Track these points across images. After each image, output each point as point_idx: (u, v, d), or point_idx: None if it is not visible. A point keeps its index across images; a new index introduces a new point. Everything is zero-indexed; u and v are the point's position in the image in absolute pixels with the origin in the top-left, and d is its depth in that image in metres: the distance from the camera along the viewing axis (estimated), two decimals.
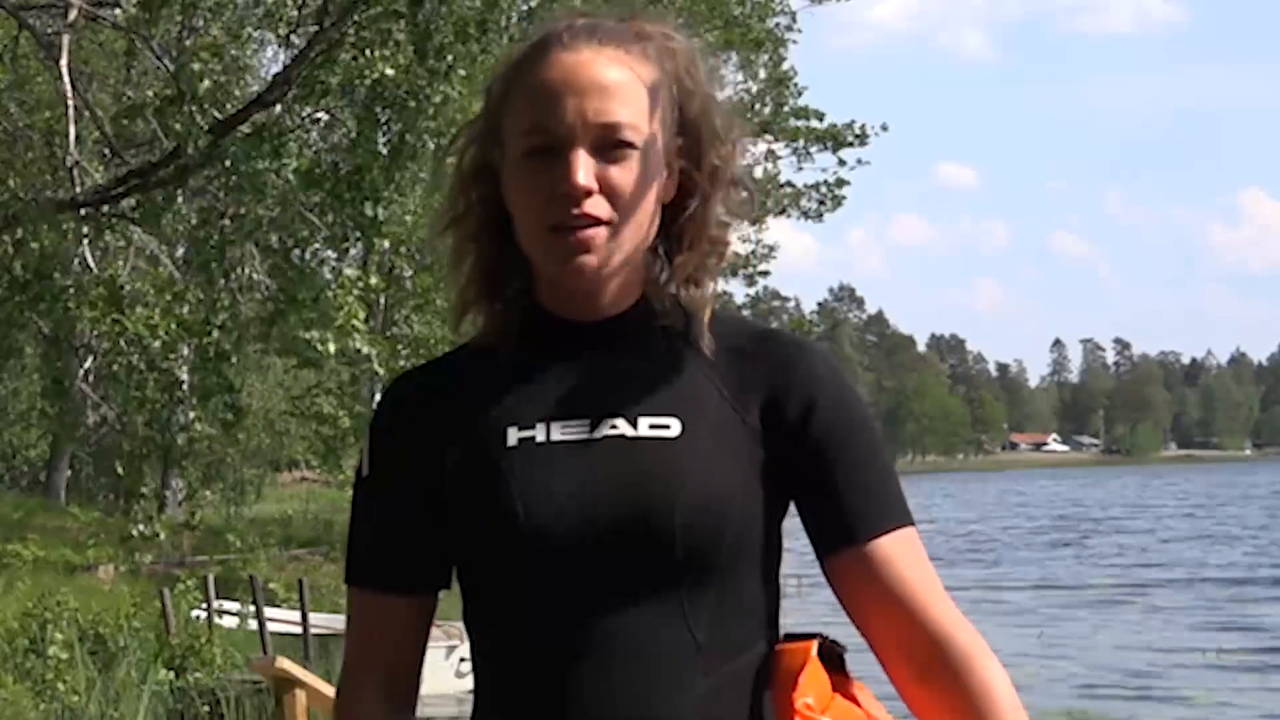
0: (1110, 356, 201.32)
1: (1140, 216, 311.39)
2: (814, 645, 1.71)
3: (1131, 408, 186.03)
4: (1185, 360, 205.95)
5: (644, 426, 1.69)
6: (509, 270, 1.77)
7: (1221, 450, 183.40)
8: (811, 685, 1.68)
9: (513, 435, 1.70)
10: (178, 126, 11.52)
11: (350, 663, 1.82)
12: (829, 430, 1.71)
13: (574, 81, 1.68)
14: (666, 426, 1.69)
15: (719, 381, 1.72)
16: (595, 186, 1.67)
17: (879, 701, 1.76)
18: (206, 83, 11.42)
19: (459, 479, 1.71)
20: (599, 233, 1.67)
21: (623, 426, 1.69)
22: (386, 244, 11.95)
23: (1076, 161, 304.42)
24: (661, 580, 1.65)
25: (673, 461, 1.66)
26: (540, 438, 1.70)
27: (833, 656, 1.74)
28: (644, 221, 1.71)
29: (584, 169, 1.66)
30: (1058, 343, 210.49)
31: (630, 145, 1.69)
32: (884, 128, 29.43)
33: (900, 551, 1.70)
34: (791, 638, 1.74)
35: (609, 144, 1.68)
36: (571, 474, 1.67)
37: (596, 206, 1.67)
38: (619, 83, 1.69)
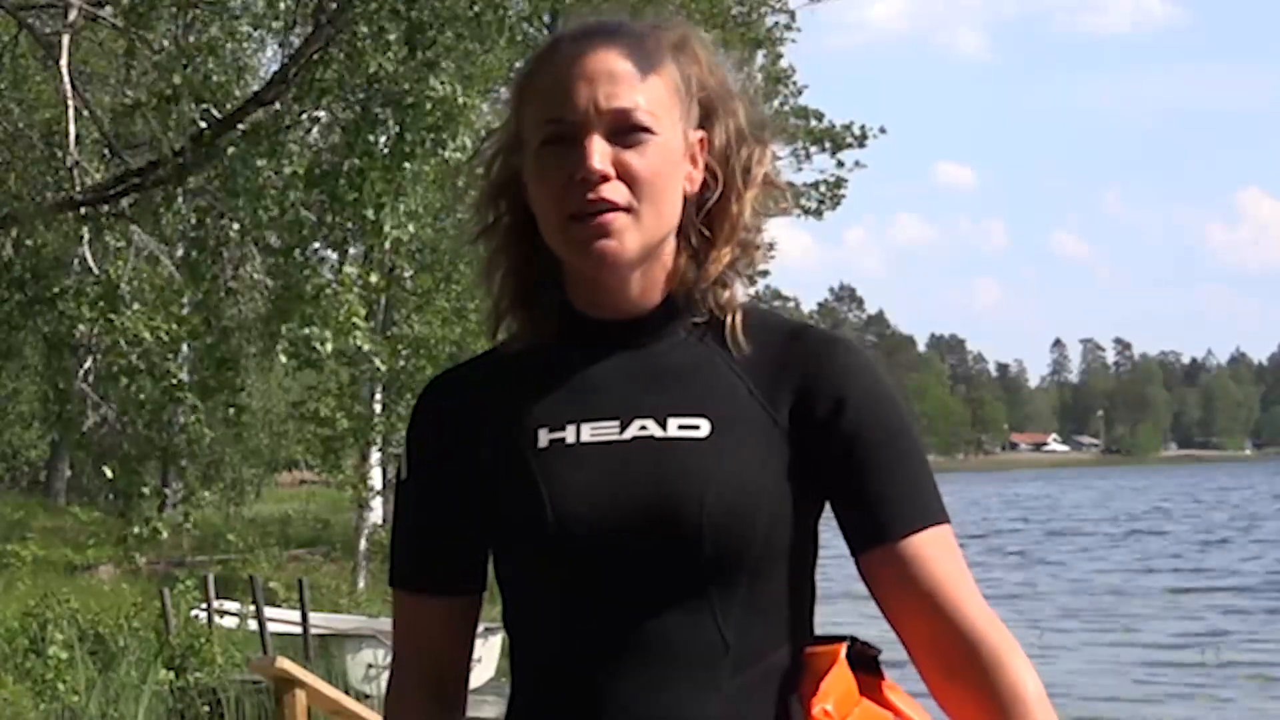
0: (1110, 356, 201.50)
1: (1139, 216, 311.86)
2: (843, 648, 1.70)
3: (1131, 408, 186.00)
4: (1185, 360, 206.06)
5: (673, 427, 1.69)
6: (540, 273, 1.78)
7: (1221, 450, 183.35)
8: (834, 689, 1.67)
9: (543, 437, 1.71)
10: (174, 129, 11.52)
11: (397, 663, 1.84)
12: (860, 427, 1.70)
13: (585, 70, 1.69)
14: (696, 427, 1.69)
15: (749, 380, 1.72)
16: (611, 171, 1.67)
17: (915, 700, 1.74)
18: (205, 89, 11.42)
19: (491, 481, 1.72)
20: (617, 217, 1.67)
21: (652, 427, 1.69)
22: (388, 244, 11.94)
23: (1075, 161, 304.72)
24: (690, 580, 1.65)
25: (701, 462, 1.66)
26: (570, 439, 1.70)
27: (865, 659, 1.73)
28: (664, 209, 1.71)
29: (598, 153, 1.67)
30: (1058, 343, 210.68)
31: (646, 130, 1.69)
32: (882, 130, 29.44)
33: (933, 550, 1.68)
34: (824, 640, 1.73)
35: (624, 129, 1.68)
36: (601, 475, 1.67)
37: (613, 191, 1.67)
38: (630, 71, 1.70)
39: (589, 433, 1.70)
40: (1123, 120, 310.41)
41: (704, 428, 1.68)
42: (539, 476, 1.69)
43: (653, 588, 1.65)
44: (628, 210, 1.68)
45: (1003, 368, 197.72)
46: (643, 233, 1.69)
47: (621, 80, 1.69)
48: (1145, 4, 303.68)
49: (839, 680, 1.68)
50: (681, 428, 1.68)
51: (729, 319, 1.75)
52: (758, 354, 1.73)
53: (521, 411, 1.74)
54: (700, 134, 1.75)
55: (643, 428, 1.69)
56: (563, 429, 1.71)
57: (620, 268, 1.70)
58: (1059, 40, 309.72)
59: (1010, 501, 75.99)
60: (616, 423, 1.70)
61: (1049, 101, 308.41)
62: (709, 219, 1.76)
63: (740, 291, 1.78)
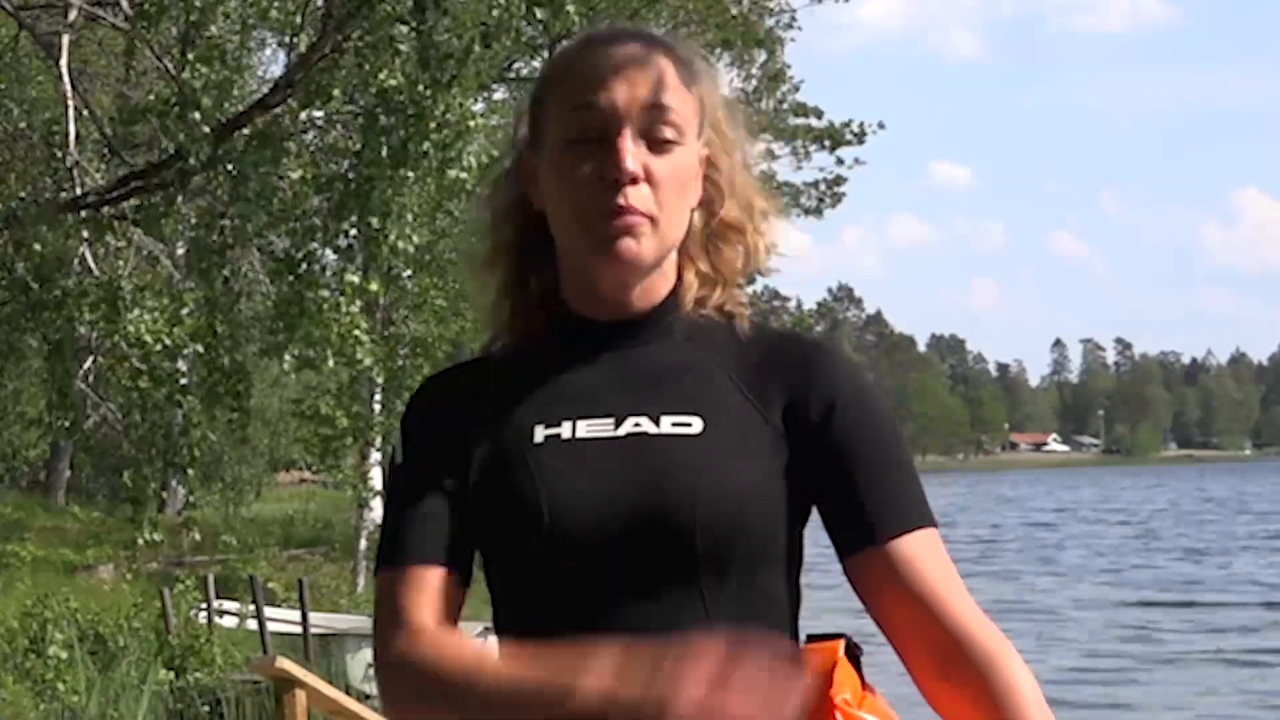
0: (1110, 356, 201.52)
1: (1137, 216, 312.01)
2: (841, 645, 1.72)
3: (1131, 408, 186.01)
4: (1185, 360, 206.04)
5: (666, 424, 1.71)
6: (537, 270, 1.80)
7: (1221, 450, 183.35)
8: (845, 683, 1.69)
9: (539, 433, 1.73)
10: (181, 136, 11.51)
11: (388, 623, 1.72)
12: (850, 430, 1.73)
13: (624, 68, 1.71)
14: (689, 424, 1.71)
15: (741, 382, 1.75)
16: (642, 174, 1.69)
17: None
18: (207, 100, 11.41)
19: (486, 476, 1.73)
20: (642, 222, 1.69)
21: (646, 424, 1.71)
22: (386, 250, 11.95)
23: (1072, 160, 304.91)
24: (682, 575, 1.66)
25: (694, 457, 1.68)
26: (566, 435, 1.72)
27: (853, 659, 1.75)
28: (680, 220, 1.74)
29: (632, 155, 1.68)
30: (1058, 343, 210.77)
31: (674, 137, 1.71)
32: (880, 126, 29.43)
33: (920, 552, 1.70)
34: (813, 638, 1.75)
35: (655, 135, 1.70)
36: (595, 470, 1.69)
37: (641, 199, 1.69)
38: (666, 76, 1.72)
39: (585, 429, 1.72)
40: (1120, 120, 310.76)
41: (696, 425, 1.71)
42: (534, 470, 1.70)
43: (645, 581, 1.66)
44: (650, 217, 1.70)
45: (1003, 368, 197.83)
46: (659, 241, 1.72)
47: (659, 84, 1.71)
48: (1141, 4, 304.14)
49: (847, 675, 1.70)
50: (675, 425, 1.71)
51: (720, 320, 1.79)
52: (749, 358, 1.77)
53: (517, 409, 1.75)
54: (706, 152, 1.78)
55: (636, 424, 1.71)
56: (559, 425, 1.72)
57: (636, 271, 1.73)
58: (1054, 40, 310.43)
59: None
60: (611, 420, 1.72)
61: (1045, 101, 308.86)
62: (705, 225, 1.79)
63: (731, 294, 1.81)
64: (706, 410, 1.72)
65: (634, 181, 1.68)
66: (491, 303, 1.83)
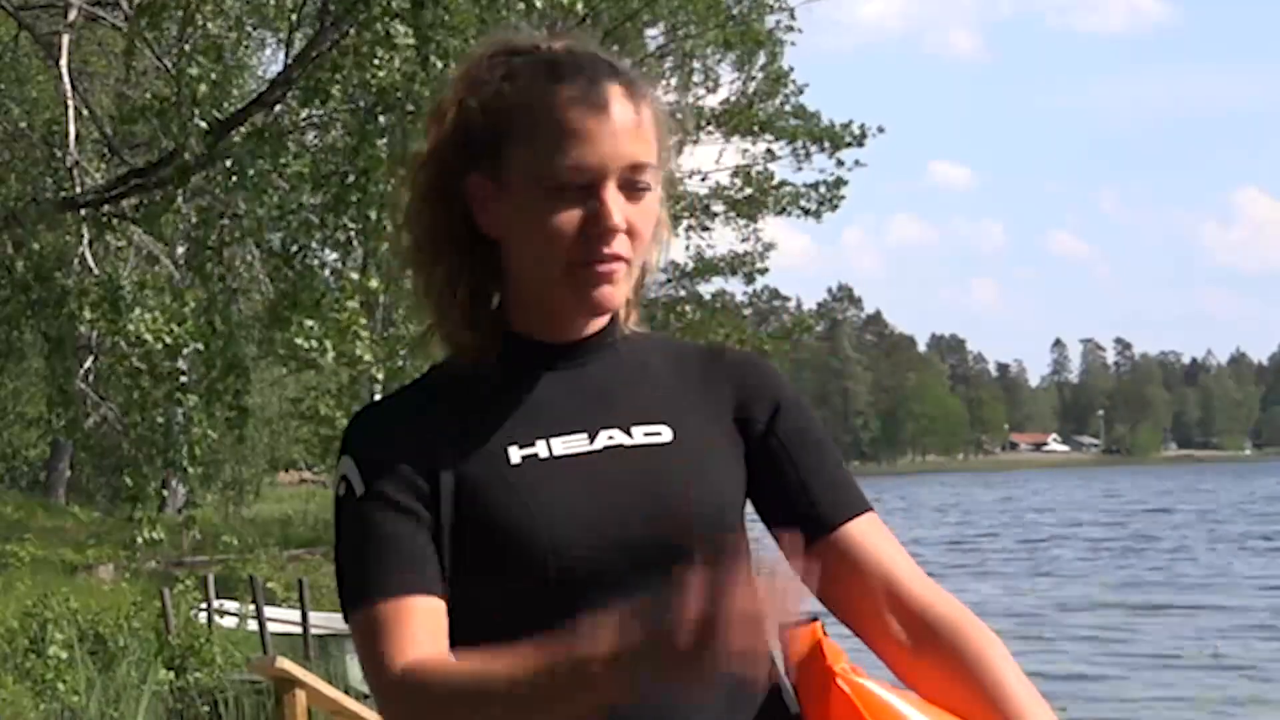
0: (1110, 356, 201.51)
1: (1137, 216, 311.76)
2: (820, 625, 1.73)
3: (1131, 408, 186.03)
4: (1185, 360, 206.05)
5: (639, 434, 1.74)
6: (485, 293, 1.78)
7: (1221, 450, 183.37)
8: (838, 654, 1.71)
9: (515, 453, 1.71)
10: (175, 129, 11.52)
11: (381, 653, 1.64)
12: (794, 427, 1.80)
13: (608, 119, 1.70)
14: (659, 433, 1.75)
15: (690, 391, 1.79)
16: (624, 226, 1.70)
17: None
18: (204, 87, 11.42)
19: (465, 503, 1.69)
20: (619, 268, 1.71)
21: (619, 435, 1.74)
22: (385, 245, 11.95)
23: (1071, 160, 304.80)
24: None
25: (675, 464, 1.73)
26: (543, 453, 1.71)
27: None
28: (646, 258, 1.78)
29: (618, 209, 1.70)
30: (1058, 343, 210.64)
31: (648, 185, 1.73)
32: (880, 129, 29.38)
33: (870, 531, 1.77)
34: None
35: (633, 185, 1.71)
36: (581, 485, 1.70)
37: (623, 246, 1.71)
38: (642, 124, 1.72)
39: (560, 446, 1.72)
40: (1119, 119, 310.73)
41: (666, 433, 1.75)
42: (520, 492, 1.68)
43: (646, 589, 1.64)
44: (627, 261, 1.72)
45: (1003, 368, 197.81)
46: (629, 282, 1.75)
47: (638, 135, 1.71)
48: (1140, 4, 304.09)
49: (835, 649, 1.71)
50: (646, 434, 1.74)
51: (650, 335, 1.85)
52: (689, 369, 1.82)
53: (483, 431, 1.72)
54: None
55: (610, 437, 1.73)
56: (533, 444, 1.72)
57: (608, 312, 1.76)
58: (1053, 40, 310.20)
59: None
60: (585, 434, 1.73)
61: (1044, 101, 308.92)
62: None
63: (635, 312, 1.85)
64: (670, 418, 1.76)
65: (617, 233, 1.70)
66: (443, 325, 1.78)
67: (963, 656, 1.68)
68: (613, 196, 1.69)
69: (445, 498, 1.69)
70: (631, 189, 1.71)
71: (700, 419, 1.77)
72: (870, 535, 1.76)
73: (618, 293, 1.72)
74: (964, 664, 1.68)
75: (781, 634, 1.73)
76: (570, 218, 1.69)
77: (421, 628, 1.64)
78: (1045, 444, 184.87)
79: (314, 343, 11.78)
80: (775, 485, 1.78)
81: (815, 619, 1.74)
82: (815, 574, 1.63)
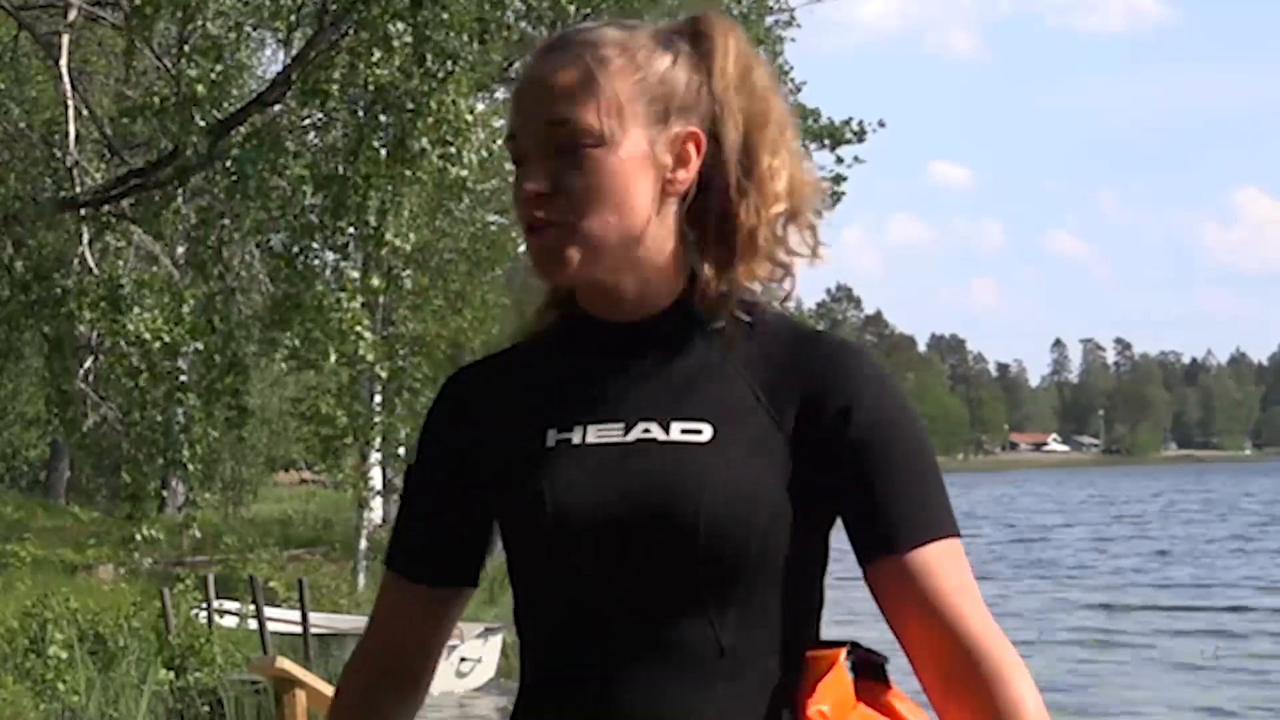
0: (1110, 356, 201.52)
1: (1136, 216, 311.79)
2: (842, 652, 1.69)
3: (1131, 408, 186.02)
4: (1185, 360, 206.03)
5: (676, 431, 1.69)
6: None
7: (1221, 450, 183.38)
8: (831, 692, 1.66)
9: (551, 436, 1.73)
10: (175, 128, 11.52)
11: (362, 639, 1.90)
12: (866, 436, 1.69)
13: (530, 88, 1.72)
14: (699, 431, 1.68)
15: (756, 386, 1.71)
16: (544, 189, 1.69)
17: (924, 710, 1.73)
18: (203, 88, 11.42)
19: (498, 478, 1.75)
20: (554, 233, 1.69)
21: (655, 430, 1.69)
22: (384, 251, 11.96)
23: (1071, 160, 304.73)
24: (686, 582, 1.65)
25: (700, 464, 1.66)
26: (576, 440, 1.71)
27: (871, 666, 1.72)
28: (616, 218, 1.69)
29: (533, 175, 1.70)
30: (1058, 343, 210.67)
31: (586, 143, 1.68)
32: (881, 124, 29.36)
33: (939, 564, 1.67)
34: (826, 644, 1.72)
35: (564, 146, 1.69)
36: (601, 474, 1.69)
37: (548, 210, 1.69)
38: (571, 84, 1.69)
39: (595, 434, 1.71)
40: (1119, 119, 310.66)
41: (706, 432, 1.68)
42: (543, 473, 1.70)
43: (648, 589, 1.66)
44: (567, 225, 1.68)
45: (1003, 368, 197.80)
46: (588, 244, 1.68)
47: (560, 96, 1.69)
48: (1140, 4, 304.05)
49: (836, 683, 1.67)
50: (684, 432, 1.68)
51: (737, 319, 1.74)
52: (768, 360, 1.72)
53: (532, 411, 1.76)
54: (689, 130, 1.72)
55: (645, 430, 1.70)
56: (570, 430, 1.72)
57: (571, 279, 1.72)
58: (1053, 40, 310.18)
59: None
60: (621, 425, 1.71)
61: (1044, 101, 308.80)
62: (718, 221, 1.73)
63: (794, 288, 1.79)
64: (718, 418, 1.69)
65: (539, 197, 1.69)
66: (522, 300, 1.86)
67: (993, 706, 1.64)
68: (531, 164, 1.70)
69: (485, 474, 1.77)
70: (564, 152, 1.69)
71: (755, 419, 1.69)
72: (936, 565, 1.67)
73: (562, 258, 1.69)
74: (992, 713, 1.64)
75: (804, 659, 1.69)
76: (517, 189, 1.72)
77: (388, 611, 1.86)
78: (1045, 444, 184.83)
79: (315, 345, 11.80)
80: (843, 497, 1.70)
81: (844, 645, 1.70)
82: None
